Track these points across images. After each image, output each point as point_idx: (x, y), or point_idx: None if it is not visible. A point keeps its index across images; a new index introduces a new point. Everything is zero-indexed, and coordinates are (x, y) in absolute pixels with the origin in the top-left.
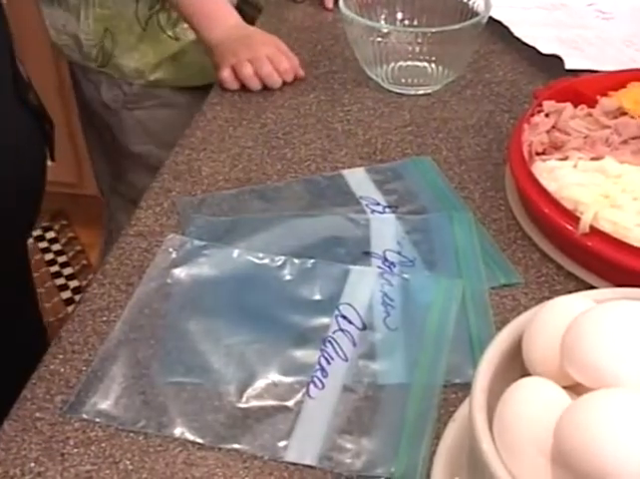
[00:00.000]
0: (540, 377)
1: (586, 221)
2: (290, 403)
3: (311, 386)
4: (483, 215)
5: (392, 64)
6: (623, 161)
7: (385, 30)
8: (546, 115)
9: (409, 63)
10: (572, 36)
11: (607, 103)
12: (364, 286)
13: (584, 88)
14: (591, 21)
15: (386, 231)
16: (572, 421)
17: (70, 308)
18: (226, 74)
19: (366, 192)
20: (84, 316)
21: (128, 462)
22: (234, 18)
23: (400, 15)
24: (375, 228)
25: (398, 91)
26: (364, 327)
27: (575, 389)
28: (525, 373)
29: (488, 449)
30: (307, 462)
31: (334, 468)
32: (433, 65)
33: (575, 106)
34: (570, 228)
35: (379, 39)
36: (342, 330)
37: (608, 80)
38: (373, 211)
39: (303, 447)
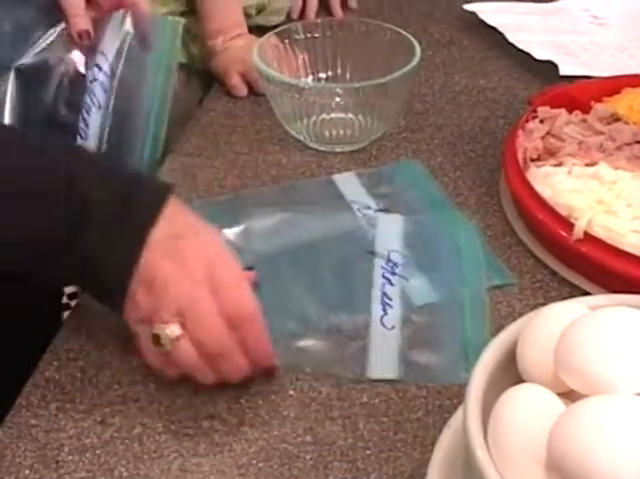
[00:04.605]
0: (534, 384)
1: (580, 227)
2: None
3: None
4: (478, 220)
5: (313, 117)
6: (617, 167)
7: (305, 86)
8: (541, 121)
9: (332, 115)
10: (566, 42)
11: (601, 109)
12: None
13: (578, 94)
14: (585, 27)
15: (392, 231)
16: (566, 428)
17: (66, 314)
18: (236, 81)
19: (357, 196)
20: (79, 323)
21: (122, 469)
22: (241, 26)
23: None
24: (381, 227)
25: (323, 149)
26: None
27: (569, 396)
28: (520, 380)
29: (483, 456)
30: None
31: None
32: (360, 117)
33: (570, 112)
34: (565, 234)
35: (297, 95)
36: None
37: (602, 86)
38: (364, 215)
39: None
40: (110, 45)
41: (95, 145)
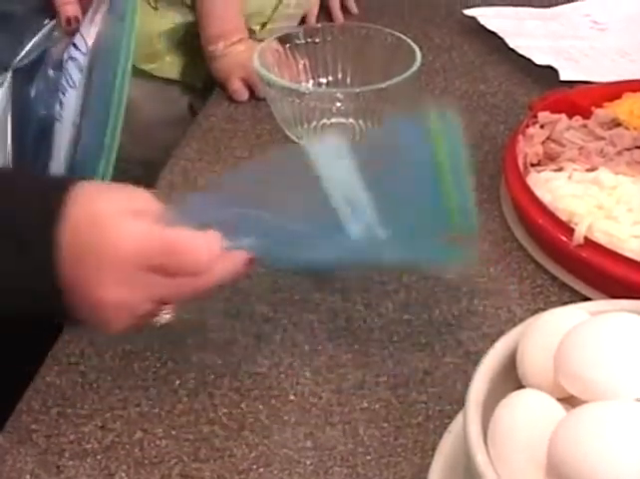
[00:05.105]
0: (534, 389)
1: (581, 232)
2: None
3: None
4: (479, 226)
5: (314, 122)
6: (618, 172)
7: (305, 91)
8: (541, 126)
9: (333, 120)
10: (567, 47)
11: (602, 114)
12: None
13: (579, 99)
14: (586, 32)
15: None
16: (566, 434)
17: None
18: (238, 86)
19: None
20: (80, 328)
21: (123, 474)
22: (241, 31)
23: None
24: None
25: None
26: None
27: (570, 401)
28: (521, 385)
29: (483, 462)
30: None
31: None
32: (361, 122)
33: (570, 117)
34: (565, 239)
35: (297, 100)
36: None
37: (603, 91)
38: None
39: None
40: (87, 24)
41: (71, 127)
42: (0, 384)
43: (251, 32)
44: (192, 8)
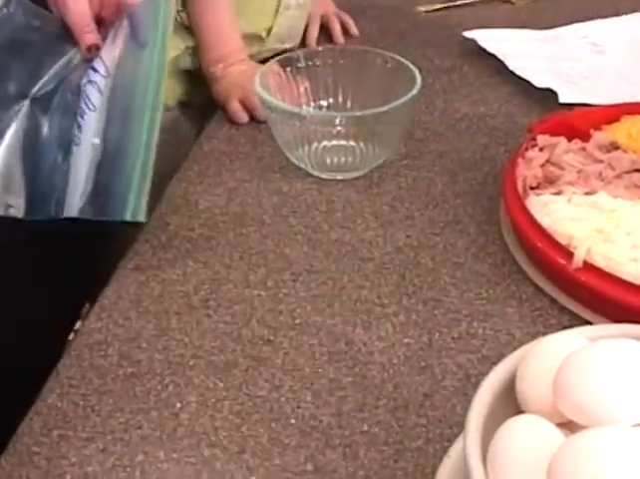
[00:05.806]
0: (534, 415)
1: (580, 255)
2: None
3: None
4: (478, 248)
5: (314, 145)
6: (616, 195)
7: (306, 115)
8: (541, 149)
9: (334, 143)
10: (566, 69)
11: (601, 137)
12: None
13: (578, 122)
14: (585, 54)
15: None
16: (564, 459)
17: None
18: (236, 107)
19: None
20: (81, 351)
21: None
22: (240, 52)
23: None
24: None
25: (324, 176)
26: None
27: (569, 426)
28: (521, 409)
29: None
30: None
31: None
32: (361, 144)
33: (569, 140)
34: (564, 262)
35: (298, 123)
36: None
37: (602, 114)
38: None
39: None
40: (107, 48)
41: (89, 149)
42: (1, 407)
43: (260, 39)
44: (192, 32)
